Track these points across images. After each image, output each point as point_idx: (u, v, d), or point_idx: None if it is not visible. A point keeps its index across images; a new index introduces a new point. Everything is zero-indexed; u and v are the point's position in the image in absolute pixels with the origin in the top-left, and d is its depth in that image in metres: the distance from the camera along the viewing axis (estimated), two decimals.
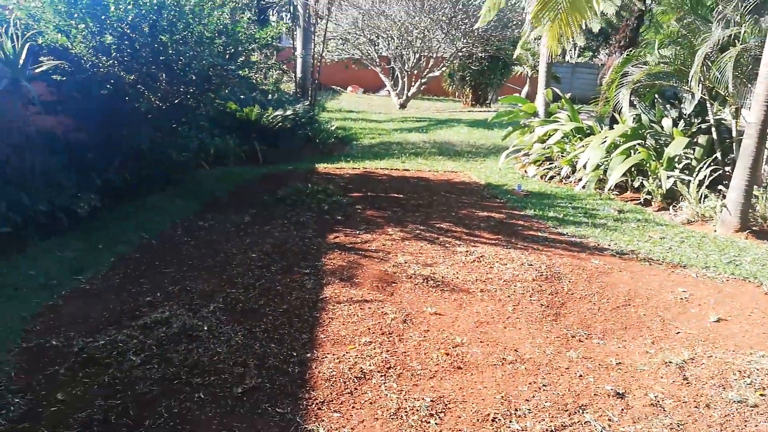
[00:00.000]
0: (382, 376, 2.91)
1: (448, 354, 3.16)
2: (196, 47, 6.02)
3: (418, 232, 5.30)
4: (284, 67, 12.44)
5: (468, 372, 3.01)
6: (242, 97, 9.14)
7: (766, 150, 6.65)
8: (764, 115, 5.49)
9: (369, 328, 3.40)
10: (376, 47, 18.53)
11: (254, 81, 10.22)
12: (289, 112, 8.85)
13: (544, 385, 2.90)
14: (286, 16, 15.58)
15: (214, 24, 6.27)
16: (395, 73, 19.50)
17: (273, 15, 17.88)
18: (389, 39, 17.95)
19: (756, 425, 2.67)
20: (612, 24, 16.11)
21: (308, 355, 3.07)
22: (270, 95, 10.24)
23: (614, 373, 3.07)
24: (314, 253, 4.62)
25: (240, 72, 6.90)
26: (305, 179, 7.06)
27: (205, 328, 3.27)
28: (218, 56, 6.49)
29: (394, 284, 4.08)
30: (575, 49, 31.62)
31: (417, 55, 18.44)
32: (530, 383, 2.92)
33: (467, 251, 4.80)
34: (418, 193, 6.84)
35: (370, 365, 2.99)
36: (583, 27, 8.16)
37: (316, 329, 3.37)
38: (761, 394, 2.89)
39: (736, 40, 6.54)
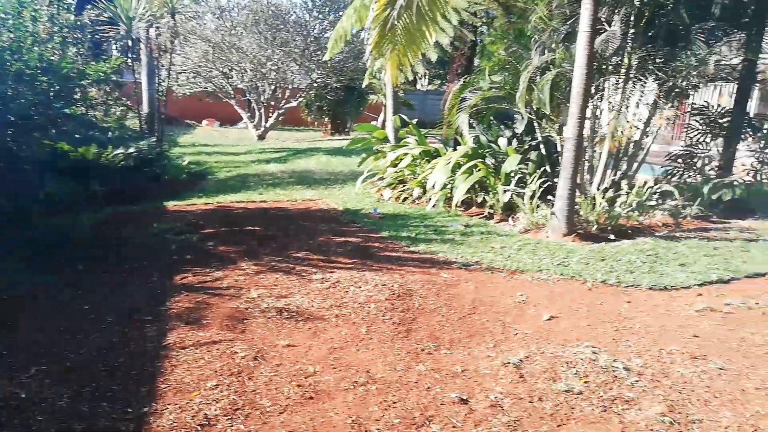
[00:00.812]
0: (228, 419, 2.77)
1: (299, 386, 3.10)
2: (14, 86, 5.48)
3: (273, 264, 5.20)
4: (128, 102, 11.74)
5: (320, 401, 2.97)
6: (77, 136, 8.44)
7: (586, 162, 7.55)
8: (578, 130, 6.21)
9: (216, 371, 3.23)
10: (230, 80, 18.21)
11: (92, 118, 9.52)
12: (131, 150, 8.32)
13: (394, 403, 2.95)
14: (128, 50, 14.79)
15: (35, 60, 5.76)
16: (251, 104, 19.27)
17: (115, 49, 16.87)
18: (242, 71, 17.74)
19: (581, 410, 2.94)
20: (450, 54, 17.40)
21: (146, 409, 2.83)
22: (111, 133, 9.56)
23: (459, 380, 3.21)
24: (158, 297, 4.33)
25: (68, 110, 6.38)
26: (151, 219, 6.65)
27: (23, 396, 2.89)
28: (41, 94, 5.95)
29: (245, 321, 3.95)
30: (426, 78, 33.62)
31: (272, 87, 18.43)
32: (381, 402, 2.95)
33: (323, 278, 4.80)
34: (275, 224, 6.74)
35: (215, 410, 2.83)
36: (421, 57, 8.71)
37: (156, 380, 3.13)
38: (585, 382, 3.20)
39: (551, 65, 7.37)
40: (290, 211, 7.64)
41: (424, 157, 8.43)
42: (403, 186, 8.29)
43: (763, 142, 7.84)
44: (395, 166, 8.65)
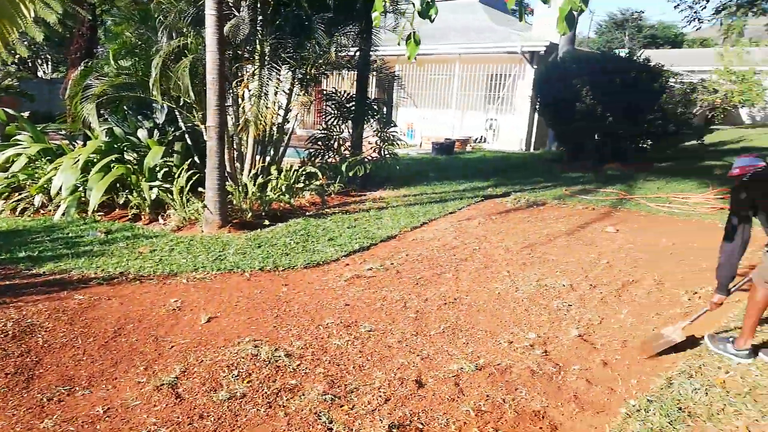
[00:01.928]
0: None
1: None
2: None
3: None
4: None
5: None
6: None
7: (235, 150, 7.41)
8: (219, 118, 5.97)
9: None
10: None
11: None
12: None
13: None
14: None
15: None
16: None
17: None
18: None
19: (246, 415, 2.74)
20: (66, 34, 15.11)
21: None
22: None
23: (102, 424, 2.64)
24: None
25: None
26: None
27: None
28: None
29: None
30: (49, 64, 28.75)
31: None
32: None
33: None
34: None
35: None
36: (29, 37, 7.14)
37: None
38: (248, 382, 3.02)
39: (186, 51, 6.92)
40: None
41: (45, 157, 7.01)
42: (20, 194, 6.72)
43: (382, 123, 9.08)
44: (5, 170, 6.95)
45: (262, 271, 4.91)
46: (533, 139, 16.03)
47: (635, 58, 11.74)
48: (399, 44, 3.36)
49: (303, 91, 8.33)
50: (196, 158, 7.21)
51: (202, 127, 7.26)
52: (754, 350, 3.33)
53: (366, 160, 8.79)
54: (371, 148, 9.27)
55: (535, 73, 15.43)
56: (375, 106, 9.12)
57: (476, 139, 16.48)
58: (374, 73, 9.41)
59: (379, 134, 9.08)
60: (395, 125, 9.17)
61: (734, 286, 3.46)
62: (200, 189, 6.50)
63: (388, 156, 9.18)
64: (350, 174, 8.46)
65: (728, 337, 3.46)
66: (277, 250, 5.40)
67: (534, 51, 15.24)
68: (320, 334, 3.69)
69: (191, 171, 6.65)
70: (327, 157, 9.08)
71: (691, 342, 3.53)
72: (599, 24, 57.44)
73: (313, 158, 8.98)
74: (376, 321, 3.96)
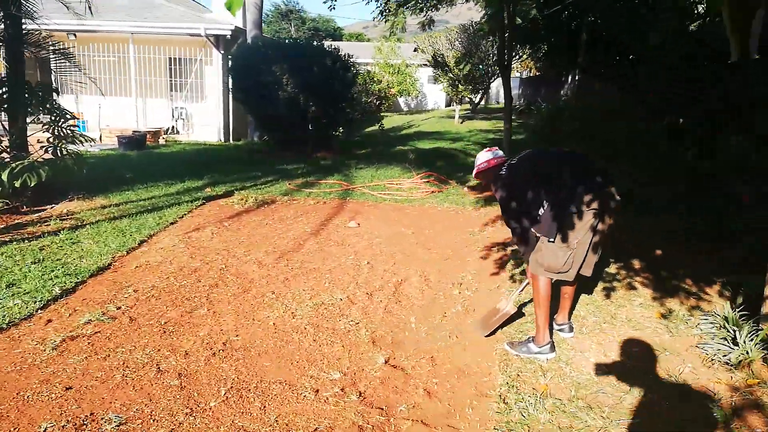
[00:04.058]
0: None
1: None
2: None
3: None
4: None
5: None
6: None
7: None
8: None
9: None
10: None
11: None
12: None
13: None
14: None
15: None
16: None
17: None
18: None
19: None
20: None
21: None
22: None
23: None
24: None
25: None
26: None
27: None
28: None
29: None
30: None
31: None
32: None
33: None
34: None
35: None
36: None
37: None
38: None
39: None
40: None
41: None
42: None
43: (54, 114, 6.97)
44: None
45: None
46: (231, 129, 15.16)
47: (329, 48, 11.95)
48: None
49: None
50: None
51: None
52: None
53: (37, 163, 6.64)
54: (41, 147, 7.09)
55: (223, 59, 14.54)
56: (39, 93, 6.95)
57: (167, 130, 14.70)
58: (33, 50, 7.15)
59: (52, 129, 6.98)
60: (73, 116, 7.15)
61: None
62: None
63: (66, 156, 7.15)
64: (16, 184, 6.25)
65: (528, 338, 3.45)
66: None
67: (219, 35, 14.29)
68: None
69: None
70: None
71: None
72: (266, 14, 59.11)
73: None
74: (124, 406, 2.75)
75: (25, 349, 3.28)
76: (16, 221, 5.91)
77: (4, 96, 6.82)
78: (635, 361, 3.24)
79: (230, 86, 14.71)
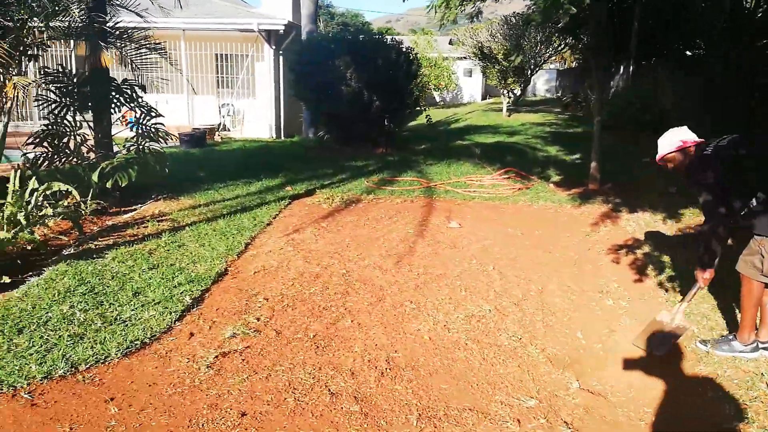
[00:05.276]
0: None
1: None
2: None
3: None
4: None
5: None
6: None
7: None
8: None
9: None
10: None
11: None
12: None
13: None
14: None
15: None
16: None
17: None
18: None
19: None
20: None
21: None
22: None
23: None
24: None
25: None
26: None
27: None
28: None
29: None
30: None
31: None
32: None
33: None
34: None
35: None
36: None
37: None
38: None
39: None
40: None
41: None
42: None
43: (142, 111, 6.76)
44: None
45: (49, 381, 2.79)
46: (282, 125, 14.94)
47: (391, 40, 11.62)
48: None
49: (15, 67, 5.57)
50: None
51: None
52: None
53: (126, 163, 6.44)
54: (126, 145, 6.91)
55: (274, 54, 14.30)
56: (126, 90, 6.76)
57: (217, 127, 14.54)
58: (118, 45, 6.94)
59: (137, 127, 6.80)
60: (159, 114, 6.94)
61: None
62: None
63: (148, 154, 6.95)
64: (108, 185, 6.07)
65: (727, 336, 3.16)
66: (55, 333, 3.22)
67: (272, 30, 14.03)
68: None
69: None
70: (58, 161, 6.40)
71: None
72: None
73: (36, 164, 6.22)
74: None
75: (178, 368, 3.03)
76: (110, 222, 5.71)
77: (88, 94, 6.64)
78: None
79: (282, 82, 14.55)
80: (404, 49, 11.44)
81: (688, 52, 14.94)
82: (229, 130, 14.75)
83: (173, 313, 3.59)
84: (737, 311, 3.44)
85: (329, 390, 2.87)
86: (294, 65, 11.58)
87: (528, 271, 4.60)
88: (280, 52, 14.28)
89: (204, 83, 14.78)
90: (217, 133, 13.75)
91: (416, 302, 3.95)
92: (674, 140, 3.17)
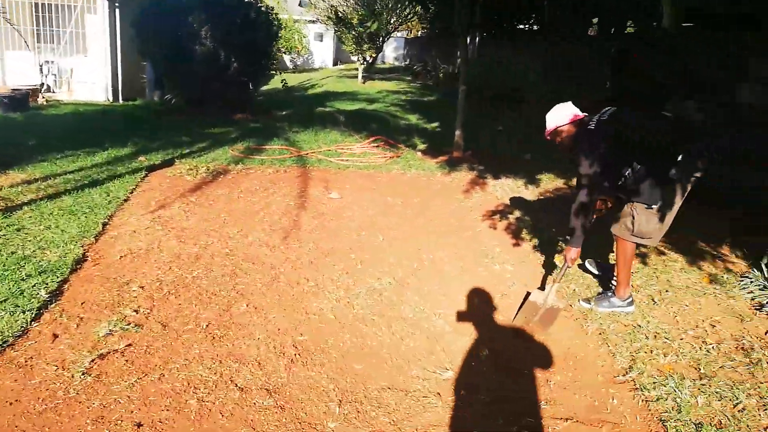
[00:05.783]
0: None
1: None
2: None
3: None
4: None
5: None
6: None
7: None
8: None
9: None
10: None
11: None
12: None
13: None
14: None
15: None
16: None
17: None
18: None
19: None
20: None
21: None
22: None
23: None
24: None
25: None
26: None
27: None
28: None
29: None
30: None
31: None
32: None
33: None
34: None
35: None
36: None
37: None
38: None
39: None
40: None
41: None
42: None
43: None
44: None
45: None
46: (121, 87, 13.34)
47: None
48: None
49: None
50: None
51: None
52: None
53: None
54: None
55: (109, 6, 12.63)
56: None
57: (40, 88, 12.54)
58: None
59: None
60: None
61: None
62: None
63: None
64: None
65: (606, 293, 3.46)
66: None
67: None
68: None
69: None
70: None
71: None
72: None
73: None
74: None
75: (45, 378, 2.54)
76: None
77: None
78: (732, 329, 3.27)
79: (119, 38, 12.91)
80: (264, 8, 10.77)
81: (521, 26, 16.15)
82: (54, 92, 12.82)
83: (27, 312, 3.00)
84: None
85: (236, 385, 2.60)
86: (140, 17, 10.29)
87: (415, 241, 4.63)
88: (116, 3, 12.64)
89: (16, 36, 12.59)
90: (40, 94, 11.86)
91: (313, 279, 3.76)
92: (566, 113, 3.31)
